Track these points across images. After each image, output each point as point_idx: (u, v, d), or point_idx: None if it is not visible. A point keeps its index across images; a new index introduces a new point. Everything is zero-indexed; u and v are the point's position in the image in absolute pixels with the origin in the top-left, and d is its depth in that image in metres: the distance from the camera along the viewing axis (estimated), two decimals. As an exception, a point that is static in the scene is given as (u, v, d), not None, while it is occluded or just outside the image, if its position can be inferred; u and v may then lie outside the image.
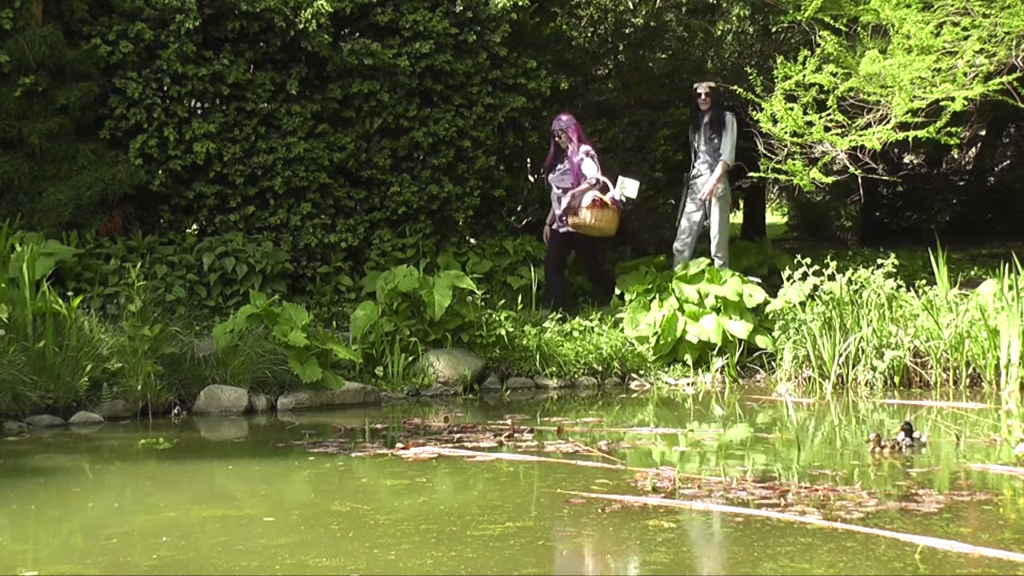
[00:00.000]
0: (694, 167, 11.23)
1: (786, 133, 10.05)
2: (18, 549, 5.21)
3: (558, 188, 10.77)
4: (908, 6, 9.58)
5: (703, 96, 11.10)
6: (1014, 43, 9.44)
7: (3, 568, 4.83)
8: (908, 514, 5.47)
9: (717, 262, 10.91)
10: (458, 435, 7.61)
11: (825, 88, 9.98)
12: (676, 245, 11.15)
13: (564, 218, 10.68)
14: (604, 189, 10.62)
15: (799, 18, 10.33)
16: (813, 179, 10.19)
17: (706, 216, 11.12)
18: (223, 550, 5.03)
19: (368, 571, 4.69)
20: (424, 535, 5.19)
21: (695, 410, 9.00)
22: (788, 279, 10.20)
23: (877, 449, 6.94)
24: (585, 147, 10.76)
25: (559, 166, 10.81)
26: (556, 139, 10.81)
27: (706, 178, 11.07)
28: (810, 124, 9.97)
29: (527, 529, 5.27)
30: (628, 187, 10.66)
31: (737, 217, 19.56)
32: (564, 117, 10.83)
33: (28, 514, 5.88)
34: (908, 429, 7.07)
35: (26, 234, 9.75)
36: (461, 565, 4.73)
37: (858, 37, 10.17)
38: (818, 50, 10.08)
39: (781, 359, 9.95)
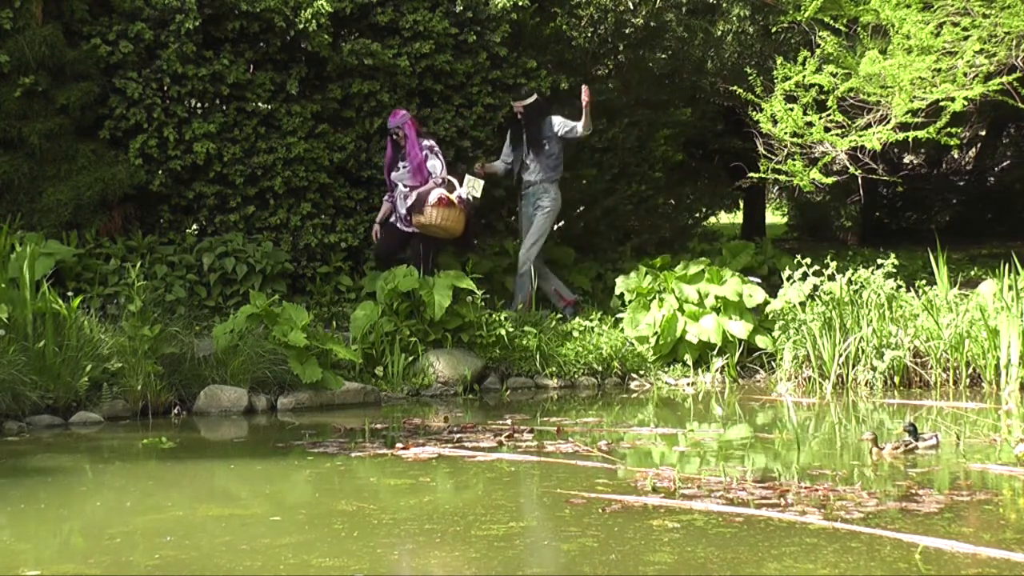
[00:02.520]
0: (524, 177, 10.81)
1: (786, 134, 10.07)
2: (20, 549, 5.21)
3: (405, 186, 10.45)
4: (908, 6, 9.59)
5: (519, 116, 10.73)
6: (1014, 43, 9.46)
7: (5, 568, 4.83)
8: (908, 514, 5.48)
9: (521, 265, 10.65)
10: (458, 435, 7.61)
11: (825, 88, 9.99)
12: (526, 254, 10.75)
13: (408, 217, 10.42)
14: (450, 187, 10.35)
15: (799, 18, 10.35)
16: (813, 179, 10.21)
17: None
18: (226, 550, 5.03)
19: (372, 571, 4.69)
20: (428, 535, 5.19)
21: (695, 410, 9.00)
22: (788, 279, 10.20)
23: (875, 450, 6.93)
24: (427, 142, 10.44)
25: (401, 164, 10.45)
26: (393, 137, 10.39)
27: (540, 186, 10.73)
28: (810, 124, 9.99)
29: (531, 529, 5.28)
30: (475, 186, 10.40)
31: (737, 217, 19.63)
32: (400, 113, 10.42)
33: (29, 514, 5.88)
34: (912, 430, 7.06)
35: (26, 234, 9.74)
36: (465, 565, 4.73)
37: (858, 37, 10.19)
38: (818, 50, 10.10)
39: (781, 359, 9.95)
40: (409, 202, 10.36)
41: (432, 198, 10.22)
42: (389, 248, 10.63)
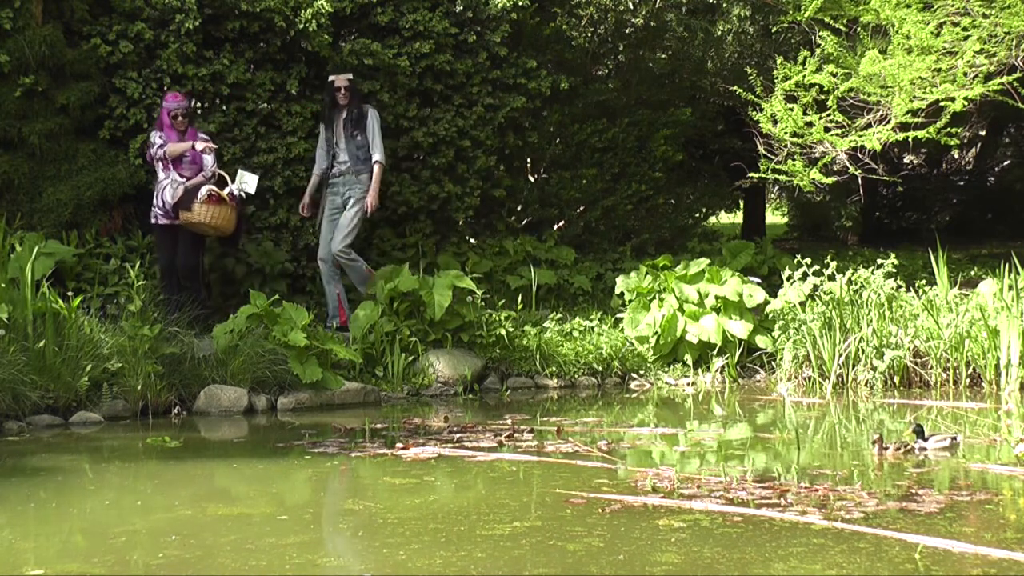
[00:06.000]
0: (334, 166, 10.29)
1: (786, 133, 10.08)
2: (23, 548, 5.20)
3: (181, 177, 9.79)
4: (908, 6, 9.61)
5: (342, 90, 10.20)
6: (1014, 43, 9.47)
7: (9, 567, 4.82)
8: (909, 514, 5.48)
9: (341, 257, 10.06)
10: (458, 435, 7.61)
11: (825, 88, 10.01)
12: (321, 254, 10.26)
13: (174, 211, 9.72)
14: (221, 182, 9.77)
15: (799, 18, 10.36)
16: (813, 179, 10.22)
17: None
18: (231, 549, 5.02)
19: (377, 571, 4.69)
20: (433, 535, 5.19)
21: (695, 410, 9.00)
22: (788, 279, 10.21)
23: (881, 451, 6.92)
24: (203, 135, 9.93)
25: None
26: (173, 120, 9.78)
27: (351, 176, 10.26)
28: (810, 124, 10.00)
29: (535, 529, 5.27)
30: (248, 181, 9.91)
31: (737, 217, 19.64)
32: (181, 96, 9.89)
33: (31, 513, 5.88)
34: (919, 430, 7.05)
35: (26, 234, 9.73)
36: (471, 565, 4.73)
37: (858, 37, 10.20)
38: (818, 50, 10.11)
39: (781, 359, 9.96)
40: (175, 196, 9.75)
41: (202, 194, 9.60)
42: (171, 253, 9.86)
